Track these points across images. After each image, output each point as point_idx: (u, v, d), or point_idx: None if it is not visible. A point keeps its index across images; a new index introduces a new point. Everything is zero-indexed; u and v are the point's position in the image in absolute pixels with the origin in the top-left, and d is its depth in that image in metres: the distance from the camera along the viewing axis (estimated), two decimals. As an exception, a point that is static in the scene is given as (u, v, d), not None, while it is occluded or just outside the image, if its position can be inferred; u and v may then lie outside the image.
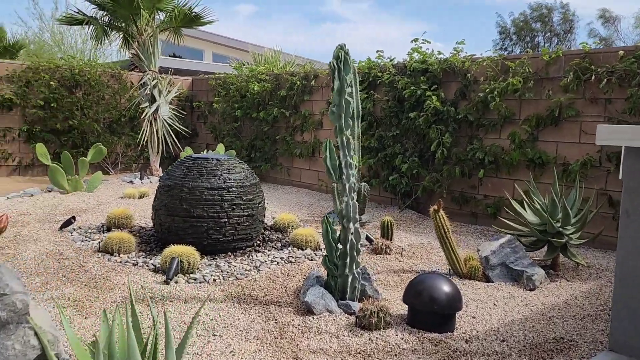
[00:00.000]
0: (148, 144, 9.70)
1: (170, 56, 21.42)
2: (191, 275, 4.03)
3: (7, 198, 7.10)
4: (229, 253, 4.81)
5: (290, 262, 4.57)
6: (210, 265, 4.37)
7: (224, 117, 10.39)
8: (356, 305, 3.38)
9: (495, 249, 4.32)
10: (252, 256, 4.68)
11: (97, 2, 9.74)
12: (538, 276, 4.11)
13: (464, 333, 3.16)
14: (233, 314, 3.31)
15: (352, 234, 3.44)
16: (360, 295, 3.55)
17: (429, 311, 3.13)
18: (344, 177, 3.42)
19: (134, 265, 4.31)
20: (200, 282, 3.94)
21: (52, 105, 9.44)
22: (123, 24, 10.03)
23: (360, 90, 7.60)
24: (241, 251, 4.88)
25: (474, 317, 3.40)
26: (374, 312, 3.12)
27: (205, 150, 11.08)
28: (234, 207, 4.77)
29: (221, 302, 3.52)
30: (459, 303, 3.21)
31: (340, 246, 3.47)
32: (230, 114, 10.05)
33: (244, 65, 10.70)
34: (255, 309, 3.41)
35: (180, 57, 21.68)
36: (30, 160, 9.51)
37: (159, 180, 4.99)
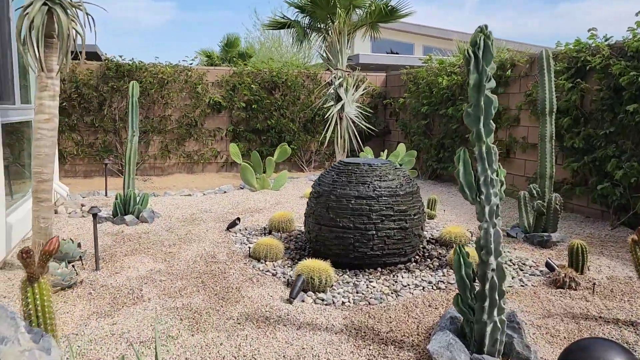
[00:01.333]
0: (334, 143, 9.73)
1: (387, 53, 21.59)
2: (320, 294, 3.67)
3: (204, 194, 7.76)
4: (379, 269, 4.33)
5: (439, 288, 3.88)
6: (348, 283, 3.96)
7: (414, 114, 9.83)
8: (494, 364, 2.60)
9: None
10: (397, 276, 4.12)
11: (298, 5, 10.16)
12: None
13: None
14: (341, 352, 2.85)
15: (492, 270, 2.65)
16: (505, 349, 2.75)
17: (592, 395, 2.21)
18: (482, 197, 2.65)
19: (273, 275, 4.14)
20: (326, 304, 3.55)
21: (253, 106, 10.13)
22: (322, 25, 10.25)
23: (565, 79, 6.33)
24: (390, 267, 4.36)
25: (674, 410, 2.33)
26: (510, 382, 2.33)
27: (395, 147, 10.68)
28: (383, 218, 4.27)
29: (336, 333, 3.09)
30: (644, 390, 2.20)
31: (477, 284, 2.72)
32: (419, 110, 9.45)
33: (434, 56, 9.96)
34: (369, 349, 2.89)
35: (397, 53, 21.68)
36: (235, 157, 10.36)
37: (312, 187, 4.76)
